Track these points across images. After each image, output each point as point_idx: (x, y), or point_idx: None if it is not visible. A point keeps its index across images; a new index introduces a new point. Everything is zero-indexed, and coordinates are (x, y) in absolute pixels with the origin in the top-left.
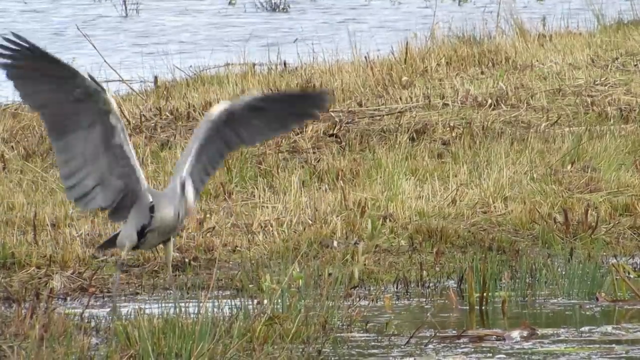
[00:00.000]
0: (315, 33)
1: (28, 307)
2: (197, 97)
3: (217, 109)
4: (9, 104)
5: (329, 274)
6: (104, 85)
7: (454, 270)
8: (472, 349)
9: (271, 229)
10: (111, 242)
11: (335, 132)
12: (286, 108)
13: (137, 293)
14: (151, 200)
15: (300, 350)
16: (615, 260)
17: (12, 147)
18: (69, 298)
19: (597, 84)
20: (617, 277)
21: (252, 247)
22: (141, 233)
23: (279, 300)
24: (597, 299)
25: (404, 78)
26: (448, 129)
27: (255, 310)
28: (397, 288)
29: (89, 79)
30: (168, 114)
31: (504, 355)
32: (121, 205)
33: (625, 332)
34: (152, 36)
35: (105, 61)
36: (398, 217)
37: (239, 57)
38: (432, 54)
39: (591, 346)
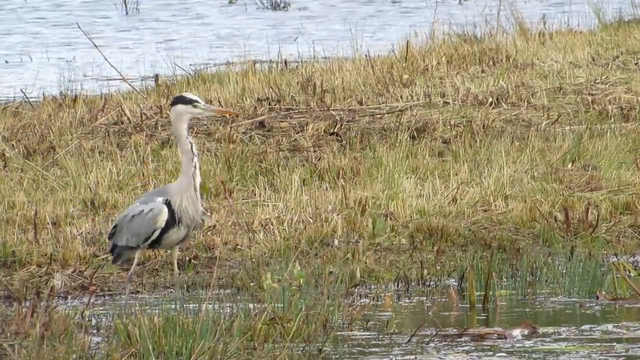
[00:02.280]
0: (316, 31)
1: (29, 305)
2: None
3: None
4: (10, 102)
5: (330, 273)
6: (105, 83)
7: (454, 269)
8: (473, 348)
9: (272, 227)
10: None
11: (336, 130)
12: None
13: (138, 291)
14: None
15: (301, 348)
16: (615, 259)
17: (13, 145)
18: (69, 296)
19: (597, 83)
20: (618, 276)
21: (252, 245)
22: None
23: (280, 299)
24: (598, 298)
25: (405, 76)
26: (449, 127)
27: (256, 309)
28: (397, 287)
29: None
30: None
31: (505, 354)
32: None
33: (626, 330)
34: (153, 34)
35: (106, 59)
36: (399, 215)
37: (240, 56)
38: (432, 52)
39: (592, 344)
